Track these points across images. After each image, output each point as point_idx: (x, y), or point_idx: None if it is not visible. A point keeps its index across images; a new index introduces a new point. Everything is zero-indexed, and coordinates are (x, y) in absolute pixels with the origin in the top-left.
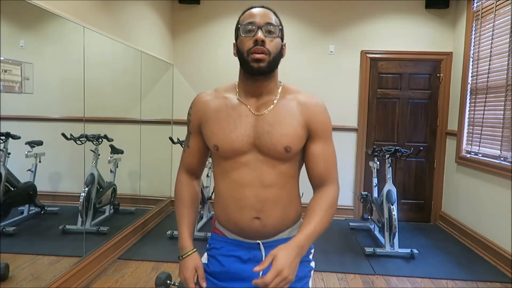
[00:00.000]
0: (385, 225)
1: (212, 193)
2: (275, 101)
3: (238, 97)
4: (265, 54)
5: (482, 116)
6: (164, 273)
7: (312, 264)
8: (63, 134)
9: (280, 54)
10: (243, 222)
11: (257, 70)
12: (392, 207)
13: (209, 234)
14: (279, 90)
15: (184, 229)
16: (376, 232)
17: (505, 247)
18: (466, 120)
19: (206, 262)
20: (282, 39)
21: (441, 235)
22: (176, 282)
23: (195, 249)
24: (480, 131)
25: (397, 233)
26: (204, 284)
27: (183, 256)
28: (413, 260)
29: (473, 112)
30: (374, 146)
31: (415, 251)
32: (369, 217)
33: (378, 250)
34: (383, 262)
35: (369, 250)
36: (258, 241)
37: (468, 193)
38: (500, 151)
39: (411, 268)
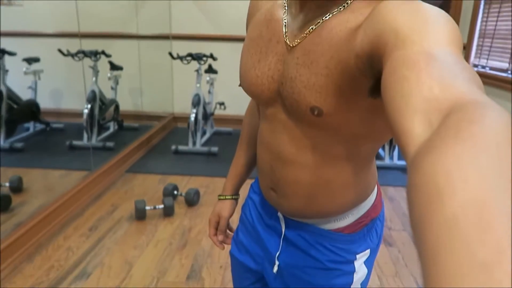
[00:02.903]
0: None
1: (214, 109)
2: (325, 18)
3: (286, 0)
4: None
5: (494, 27)
6: (171, 184)
7: (360, 273)
8: (60, 50)
9: None
10: (262, 183)
11: None
12: None
13: (213, 149)
14: None
15: (233, 168)
16: None
17: None
18: (477, 31)
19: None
20: None
21: None
22: (183, 192)
23: (232, 197)
24: (490, 43)
25: (397, 146)
26: (220, 238)
27: (219, 197)
28: None
29: (485, 23)
30: None
31: None
32: None
33: (378, 162)
34: (382, 174)
35: None
36: (278, 213)
37: None
38: (509, 63)
39: None
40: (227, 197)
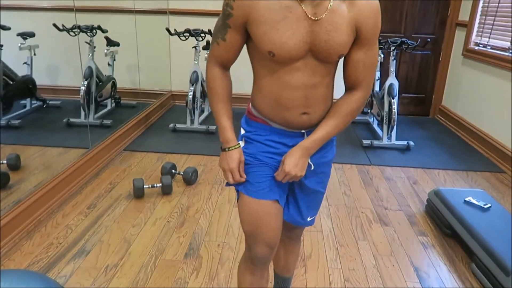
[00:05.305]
0: (384, 118)
1: None
2: (331, 3)
3: None
4: None
5: (497, 4)
6: (169, 163)
7: (335, 143)
8: (55, 25)
9: None
10: (290, 117)
11: None
12: (392, 100)
13: (211, 127)
14: None
15: (226, 122)
16: (375, 125)
17: (499, 139)
18: (480, 8)
19: (244, 145)
20: None
21: (439, 128)
22: (181, 171)
23: (239, 144)
24: (492, 22)
25: (395, 126)
26: (244, 176)
27: (230, 148)
28: (408, 151)
29: (488, 0)
30: (380, 38)
31: (411, 143)
32: (368, 110)
33: (376, 142)
34: (380, 153)
35: (366, 142)
36: (302, 131)
37: (471, 86)
38: (511, 43)
39: (406, 158)
40: (236, 146)
